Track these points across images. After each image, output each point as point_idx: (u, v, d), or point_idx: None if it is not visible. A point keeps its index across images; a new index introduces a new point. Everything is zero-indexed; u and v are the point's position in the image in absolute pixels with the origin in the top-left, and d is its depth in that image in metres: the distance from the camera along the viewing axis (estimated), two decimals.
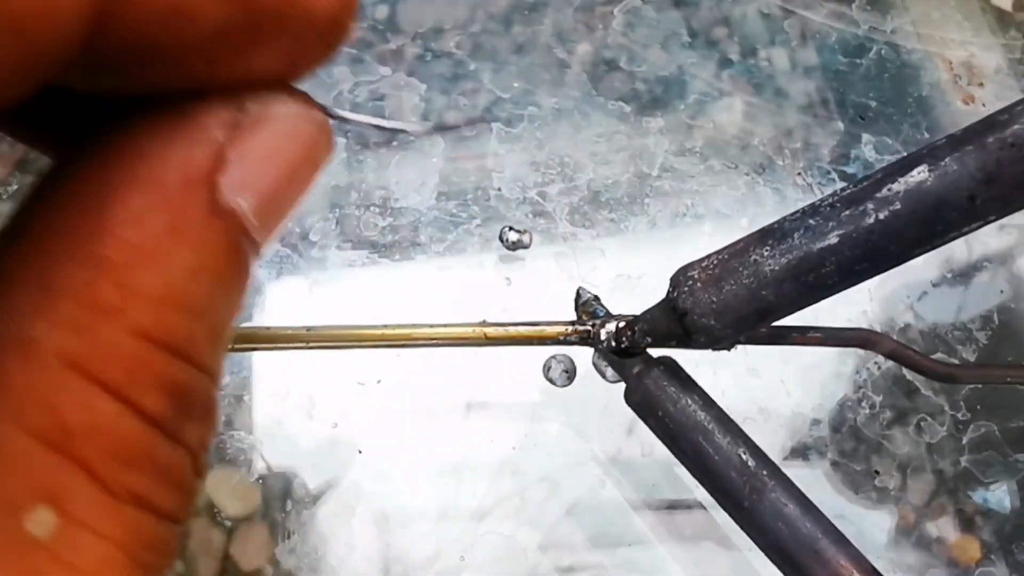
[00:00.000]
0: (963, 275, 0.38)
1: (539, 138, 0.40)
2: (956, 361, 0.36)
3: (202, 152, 0.12)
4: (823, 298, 0.22)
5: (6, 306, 0.11)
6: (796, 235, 0.22)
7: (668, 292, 0.24)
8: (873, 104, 0.41)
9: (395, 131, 0.18)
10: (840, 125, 0.41)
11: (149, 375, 0.12)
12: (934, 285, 0.38)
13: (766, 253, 0.22)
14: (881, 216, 0.21)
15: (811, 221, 0.22)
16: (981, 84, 0.42)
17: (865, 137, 0.40)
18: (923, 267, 0.38)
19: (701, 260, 0.23)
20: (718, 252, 0.23)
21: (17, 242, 0.12)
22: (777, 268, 0.22)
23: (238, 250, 0.13)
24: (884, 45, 0.43)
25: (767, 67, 0.42)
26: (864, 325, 0.37)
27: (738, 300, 0.22)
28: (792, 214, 0.22)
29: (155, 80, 0.12)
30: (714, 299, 0.22)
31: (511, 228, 0.37)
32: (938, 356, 0.36)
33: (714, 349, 0.25)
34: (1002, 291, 0.38)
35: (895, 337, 0.36)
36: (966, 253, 0.39)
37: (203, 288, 0.12)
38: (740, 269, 0.22)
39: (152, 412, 0.12)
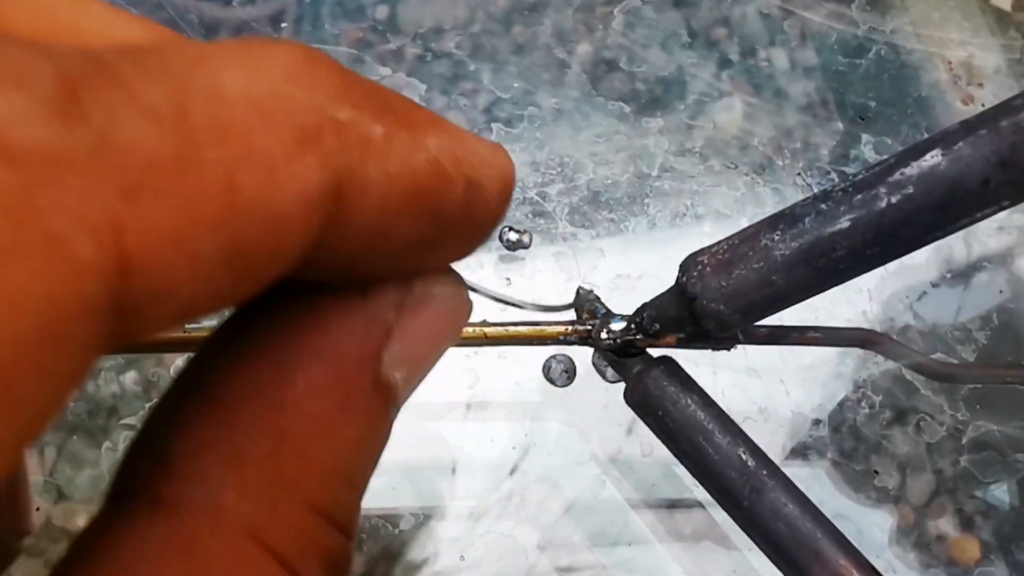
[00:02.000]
0: (962, 275, 0.38)
1: (539, 138, 0.40)
2: (956, 361, 0.36)
3: (376, 332, 0.13)
4: (834, 284, 0.22)
5: (198, 467, 0.12)
6: (807, 219, 0.22)
7: (677, 278, 0.24)
8: (873, 104, 0.41)
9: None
10: (840, 125, 0.41)
11: (315, 548, 0.12)
12: (934, 285, 0.38)
13: (776, 238, 0.22)
14: (893, 200, 0.21)
15: (822, 206, 0.22)
16: (980, 84, 0.42)
17: (865, 137, 0.41)
18: (923, 267, 0.38)
19: (711, 246, 0.23)
20: (728, 238, 0.23)
21: (202, 398, 0.13)
22: (788, 253, 0.22)
23: (389, 420, 0.14)
24: (884, 45, 0.43)
25: (767, 67, 0.42)
26: (864, 325, 0.37)
27: (748, 285, 0.22)
28: (804, 200, 0.22)
29: (346, 274, 0.13)
30: (723, 284, 0.22)
31: (511, 228, 0.37)
32: (938, 356, 0.36)
33: (715, 349, 0.25)
34: (1001, 291, 0.38)
35: (895, 337, 0.36)
36: (965, 253, 0.39)
37: (362, 460, 0.13)
38: (750, 254, 0.22)
39: None
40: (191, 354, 0.13)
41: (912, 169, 0.20)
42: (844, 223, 0.21)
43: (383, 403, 0.14)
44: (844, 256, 0.21)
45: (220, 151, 0.10)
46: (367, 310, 0.13)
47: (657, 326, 0.25)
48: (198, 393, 0.13)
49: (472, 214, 0.13)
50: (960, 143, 0.20)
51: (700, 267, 0.23)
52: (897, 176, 0.21)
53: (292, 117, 0.11)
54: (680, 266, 0.24)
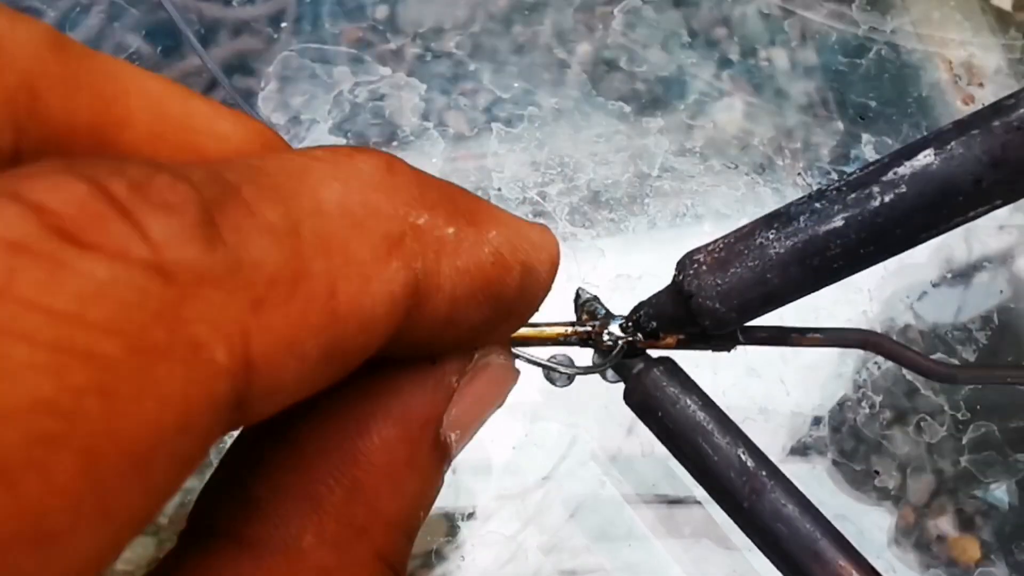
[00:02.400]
0: (963, 275, 0.38)
1: (539, 138, 0.40)
2: (956, 361, 0.36)
3: (442, 396, 0.15)
4: (829, 283, 0.22)
5: (280, 510, 0.13)
6: (802, 218, 0.22)
7: (674, 276, 0.24)
8: (873, 104, 0.41)
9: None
10: (840, 125, 0.41)
11: None
12: (934, 285, 0.38)
13: (772, 236, 0.22)
14: (887, 199, 0.21)
15: (817, 205, 0.22)
16: (981, 84, 0.42)
17: (865, 137, 0.40)
18: (923, 267, 0.38)
19: (707, 244, 0.23)
20: (724, 236, 0.23)
21: (283, 447, 0.14)
22: (783, 251, 0.22)
23: (441, 477, 0.15)
24: (884, 45, 0.43)
25: (767, 67, 0.42)
26: (864, 325, 0.37)
27: (743, 283, 0.22)
28: (799, 199, 0.22)
29: (416, 352, 0.14)
30: (719, 282, 0.22)
31: None
32: (938, 356, 0.36)
33: (714, 350, 0.25)
34: (1002, 291, 0.38)
35: (895, 337, 0.36)
36: (966, 253, 0.39)
37: (420, 512, 0.15)
38: (746, 252, 0.22)
39: None
40: None
41: (905, 168, 0.21)
42: (838, 222, 0.21)
43: (439, 461, 0.15)
44: (839, 255, 0.21)
45: (324, 262, 0.11)
46: (435, 376, 0.15)
47: (654, 324, 0.25)
48: (278, 439, 0.14)
49: (526, 295, 0.15)
50: (953, 142, 0.20)
51: (696, 265, 0.23)
52: (890, 175, 0.21)
53: (380, 226, 0.12)
54: (676, 264, 0.24)
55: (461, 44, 0.42)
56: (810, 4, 0.43)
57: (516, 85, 0.41)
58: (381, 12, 0.42)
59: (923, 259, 0.38)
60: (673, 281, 0.24)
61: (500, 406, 0.17)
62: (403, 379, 0.14)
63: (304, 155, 0.12)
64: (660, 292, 0.25)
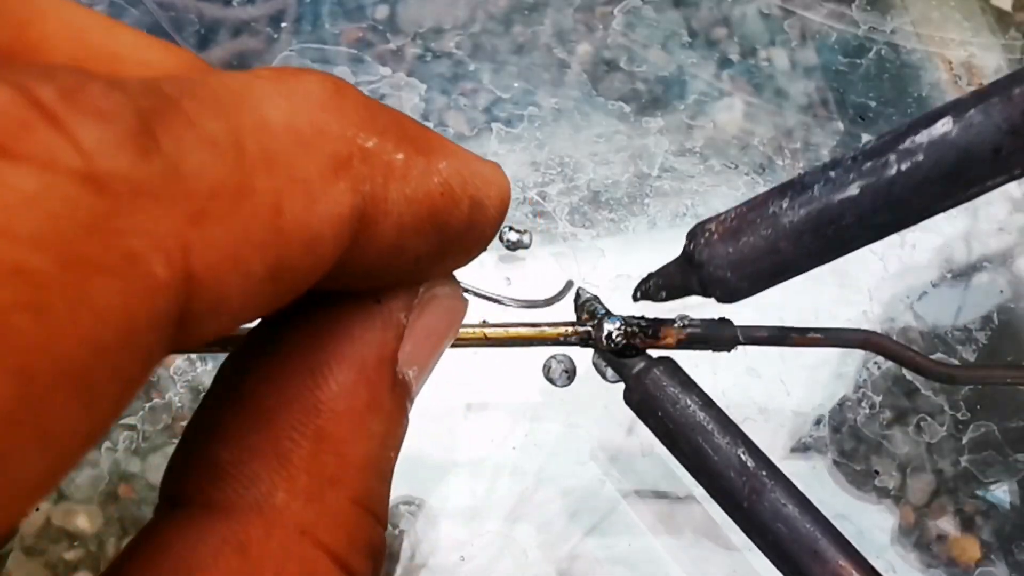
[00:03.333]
0: (963, 275, 0.38)
1: (539, 138, 0.40)
2: (956, 361, 0.36)
3: (392, 334, 0.15)
4: (841, 254, 0.22)
5: (248, 470, 0.13)
6: (816, 187, 0.21)
7: (685, 246, 0.23)
8: (873, 104, 0.41)
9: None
10: (840, 125, 0.41)
11: (361, 539, 0.14)
12: (934, 285, 0.38)
13: (785, 205, 0.22)
14: (903, 167, 0.20)
15: (832, 173, 0.21)
16: (981, 84, 0.42)
17: (865, 137, 0.40)
18: (923, 268, 0.38)
19: (719, 215, 0.23)
20: (737, 206, 0.23)
21: (242, 406, 0.13)
22: (796, 220, 0.21)
23: (406, 415, 0.15)
24: (884, 45, 0.43)
25: (767, 67, 0.42)
26: (864, 326, 0.37)
27: (755, 252, 0.22)
28: (813, 168, 0.22)
29: (361, 284, 0.14)
30: (731, 251, 0.22)
31: (511, 228, 0.37)
32: (938, 356, 0.36)
33: (715, 350, 0.25)
34: (1002, 291, 0.38)
35: (895, 337, 0.36)
36: (966, 253, 0.39)
37: (390, 453, 0.15)
38: (758, 221, 0.22)
39: (359, 573, 0.14)
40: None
41: (923, 136, 0.20)
42: (853, 190, 0.21)
43: (401, 399, 0.15)
44: (854, 224, 0.21)
45: (269, 179, 0.11)
46: (383, 315, 0.15)
47: (663, 294, 0.24)
48: (238, 401, 0.14)
49: (474, 230, 0.15)
50: (971, 110, 0.20)
51: (707, 234, 0.22)
52: (908, 143, 0.20)
53: (328, 146, 0.12)
54: (688, 234, 0.23)
55: (461, 44, 0.42)
56: (810, 4, 0.43)
57: (516, 85, 0.41)
58: (381, 12, 0.42)
59: (924, 259, 0.38)
60: (684, 251, 0.23)
61: (454, 337, 0.17)
62: (352, 323, 0.14)
63: (247, 73, 0.12)
64: (670, 263, 0.24)
